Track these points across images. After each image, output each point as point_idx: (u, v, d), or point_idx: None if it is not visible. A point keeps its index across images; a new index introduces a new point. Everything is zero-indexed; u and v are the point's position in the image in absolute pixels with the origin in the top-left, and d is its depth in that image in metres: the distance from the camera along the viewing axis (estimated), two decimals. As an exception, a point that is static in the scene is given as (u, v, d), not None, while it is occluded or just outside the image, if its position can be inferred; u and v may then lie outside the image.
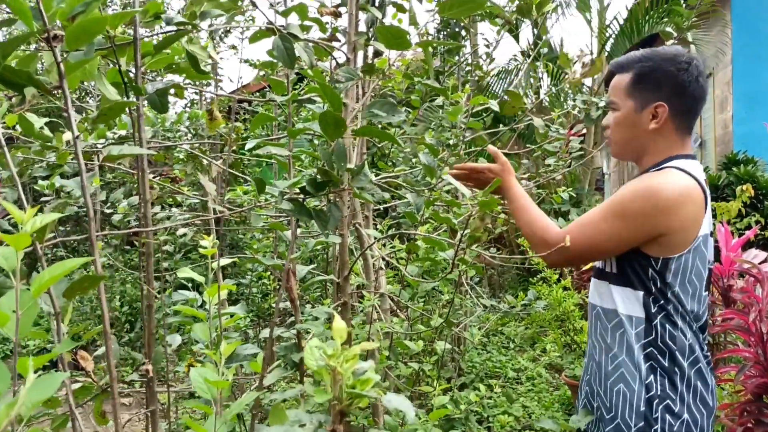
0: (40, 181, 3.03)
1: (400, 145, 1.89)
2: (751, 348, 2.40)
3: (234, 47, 7.57)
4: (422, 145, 2.84)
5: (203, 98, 6.18)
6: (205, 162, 4.15)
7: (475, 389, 3.84)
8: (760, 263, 2.50)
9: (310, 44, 2.04)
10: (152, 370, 1.46)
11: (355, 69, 2.52)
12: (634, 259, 1.62)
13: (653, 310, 1.61)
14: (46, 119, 2.17)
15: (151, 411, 1.50)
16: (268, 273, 5.12)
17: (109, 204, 3.92)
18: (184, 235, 4.41)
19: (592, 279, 1.83)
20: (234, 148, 3.72)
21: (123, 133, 3.18)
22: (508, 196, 1.85)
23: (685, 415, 1.58)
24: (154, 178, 4.51)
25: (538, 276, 4.97)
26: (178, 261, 5.14)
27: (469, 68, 6.56)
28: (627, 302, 1.64)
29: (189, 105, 7.55)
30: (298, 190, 1.38)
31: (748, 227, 4.57)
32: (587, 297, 1.98)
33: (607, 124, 1.77)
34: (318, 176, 1.29)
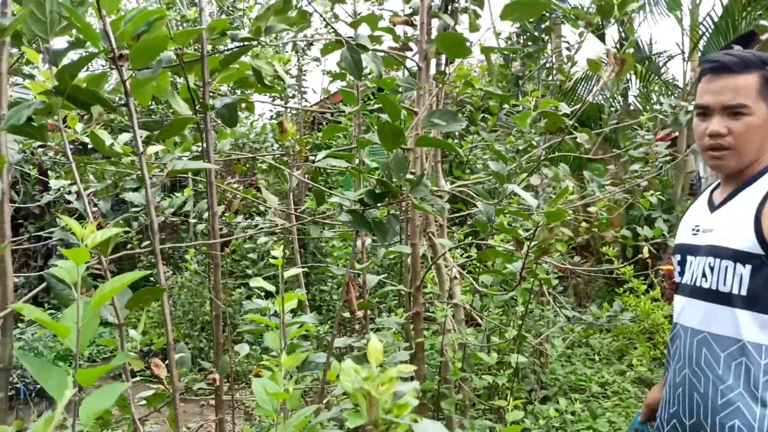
0: (129, 193, 3.18)
1: (459, 154, 1.85)
2: None
3: (317, 59, 7.74)
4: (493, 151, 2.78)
5: (288, 110, 6.33)
6: (286, 172, 4.24)
7: (557, 403, 3.71)
8: None
9: (380, 54, 2.03)
10: (219, 379, 1.48)
11: (428, 77, 2.50)
12: None
13: None
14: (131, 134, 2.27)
15: (219, 419, 1.53)
16: (348, 281, 5.17)
17: (194, 214, 4.08)
18: (266, 243, 4.54)
19: (691, 300, 1.66)
20: (311, 157, 3.77)
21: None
22: None
23: None
24: (238, 188, 4.66)
25: (626, 286, 4.76)
26: (261, 268, 5.28)
27: (552, 72, 6.39)
28: (759, 329, 1.49)
29: (274, 116, 7.77)
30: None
31: None
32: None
33: (722, 131, 1.55)
34: (377, 187, 1.28)
